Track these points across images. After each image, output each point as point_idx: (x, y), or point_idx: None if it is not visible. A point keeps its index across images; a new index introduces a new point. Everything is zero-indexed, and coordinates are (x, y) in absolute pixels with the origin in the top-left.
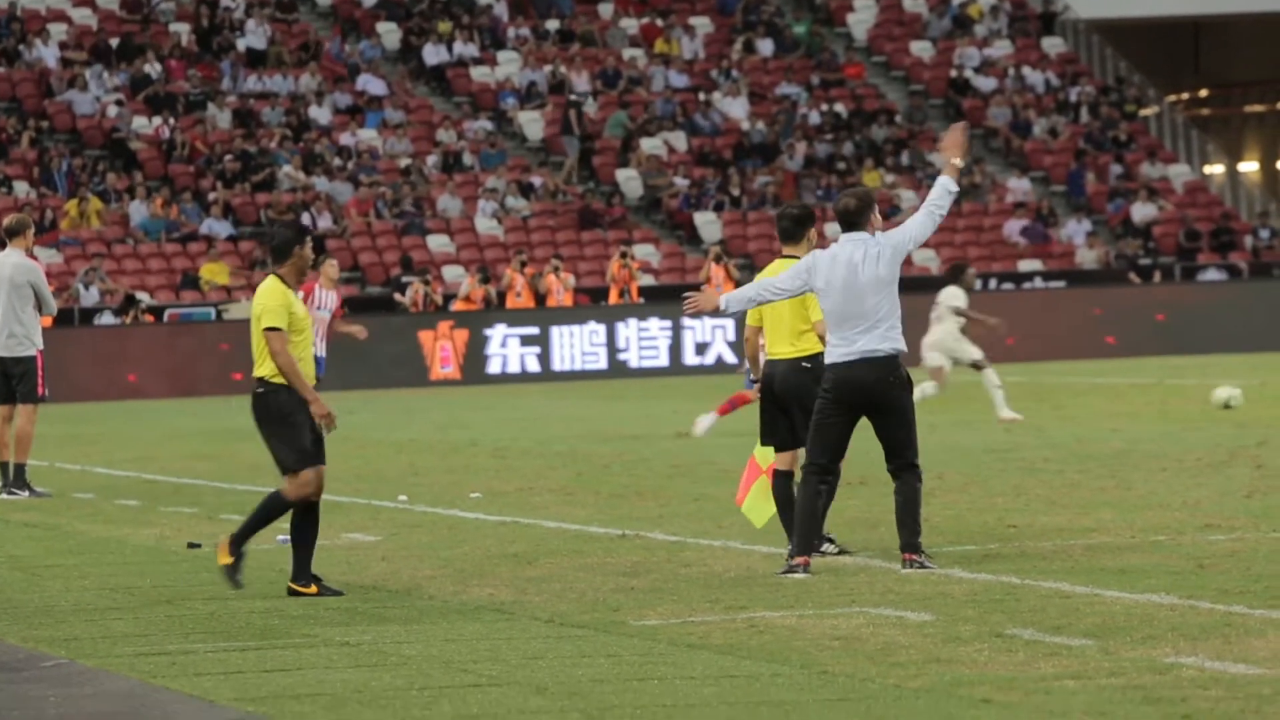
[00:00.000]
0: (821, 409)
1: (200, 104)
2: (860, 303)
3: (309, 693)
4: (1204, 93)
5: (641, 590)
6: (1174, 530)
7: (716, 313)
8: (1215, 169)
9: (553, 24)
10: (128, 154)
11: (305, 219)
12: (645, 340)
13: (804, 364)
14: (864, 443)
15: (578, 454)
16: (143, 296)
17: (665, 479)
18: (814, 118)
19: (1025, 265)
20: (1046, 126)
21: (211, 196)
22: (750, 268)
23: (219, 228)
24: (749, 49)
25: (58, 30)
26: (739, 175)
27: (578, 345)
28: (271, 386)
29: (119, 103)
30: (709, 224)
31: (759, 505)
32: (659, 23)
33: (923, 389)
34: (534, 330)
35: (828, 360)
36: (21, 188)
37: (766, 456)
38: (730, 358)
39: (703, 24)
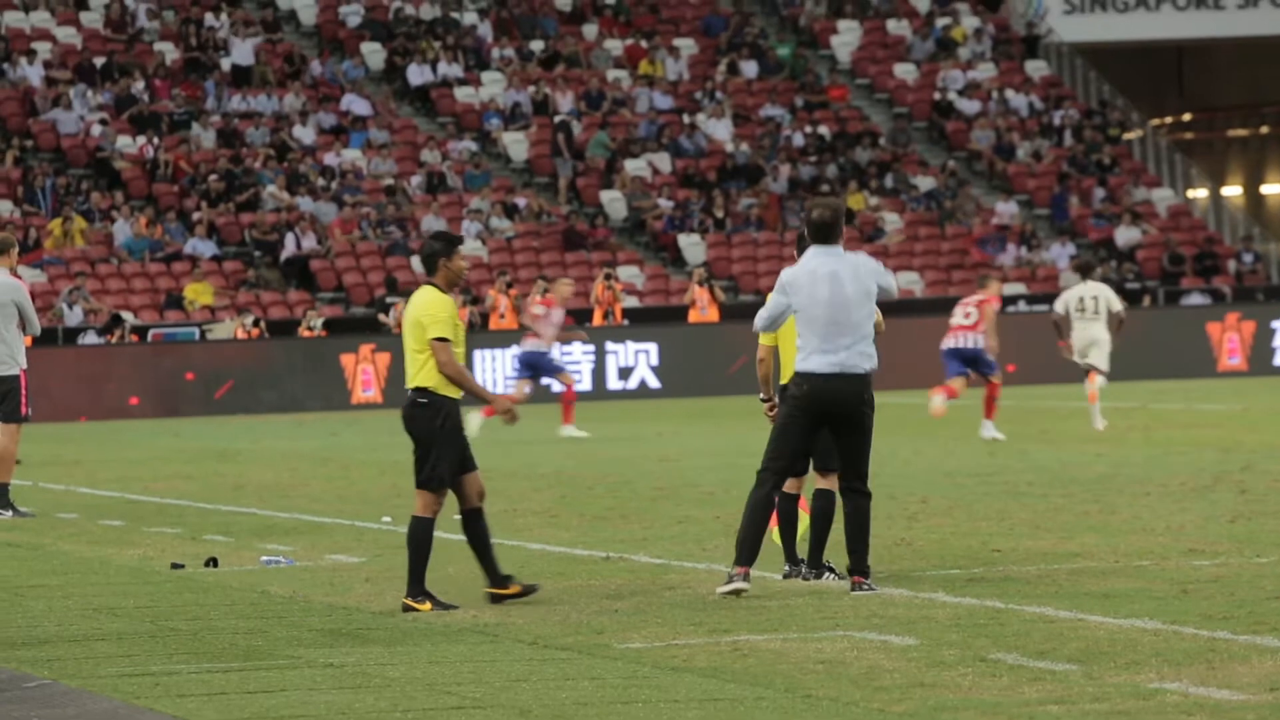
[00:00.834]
0: (788, 414)
1: (185, 123)
2: (847, 316)
3: (292, 714)
4: (1187, 117)
5: (625, 613)
6: (1158, 555)
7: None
8: (1199, 193)
9: (537, 45)
10: (112, 173)
11: (289, 239)
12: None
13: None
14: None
15: (562, 476)
16: (127, 316)
17: (649, 502)
18: (798, 140)
19: (1009, 289)
20: (1030, 150)
21: (196, 216)
22: (735, 289)
23: (203, 247)
24: (733, 71)
25: (43, 49)
26: (723, 197)
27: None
28: (438, 398)
29: (103, 122)
30: (693, 246)
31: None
32: (643, 44)
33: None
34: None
35: (803, 368)
36: (5, 206)
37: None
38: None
39: (687, 46)
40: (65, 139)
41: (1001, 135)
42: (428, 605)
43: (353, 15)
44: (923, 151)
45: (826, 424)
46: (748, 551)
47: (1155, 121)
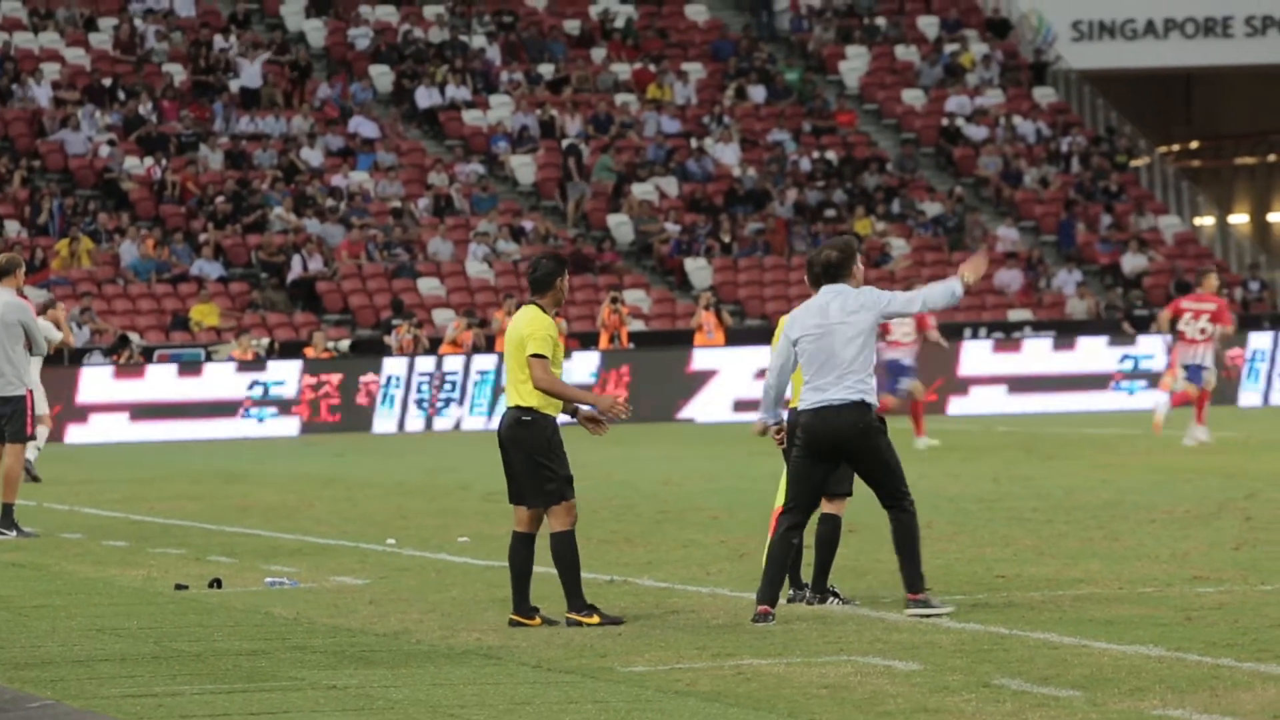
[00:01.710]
0: (796, 457)
1: (192, 145)
2: (833, 352)
3: None
4: (1195, 144)
5: (629, 636)
6: (1162, 582)
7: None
8: (1205, 220)
9: (545, 69)
10: (119, 194)
11: (296, 261)
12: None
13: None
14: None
15: None
16: (133, 337)
17: (654, 525)
18: (805, 165)
19: (1015, 315)
20: (1037, 176)
21: (202, 237)
22: (741, 314)
23: (210, 269)
24: (741, 95)
25: (51, 70)
26: (730, 221)
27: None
28: (541, 415)
29: (111, 143)
30: (699, 270)
31: None
32: (651, 68)
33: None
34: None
35: (800, 407)
36: (13, 227)
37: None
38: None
39: (695, 70)
40: (73, 159)
41: (1009, 161)
42: (596, 618)
43: (361, 38)
44: (930, 177)
45: (835, 458)
46: (766, 590)
47: (1162, 149)
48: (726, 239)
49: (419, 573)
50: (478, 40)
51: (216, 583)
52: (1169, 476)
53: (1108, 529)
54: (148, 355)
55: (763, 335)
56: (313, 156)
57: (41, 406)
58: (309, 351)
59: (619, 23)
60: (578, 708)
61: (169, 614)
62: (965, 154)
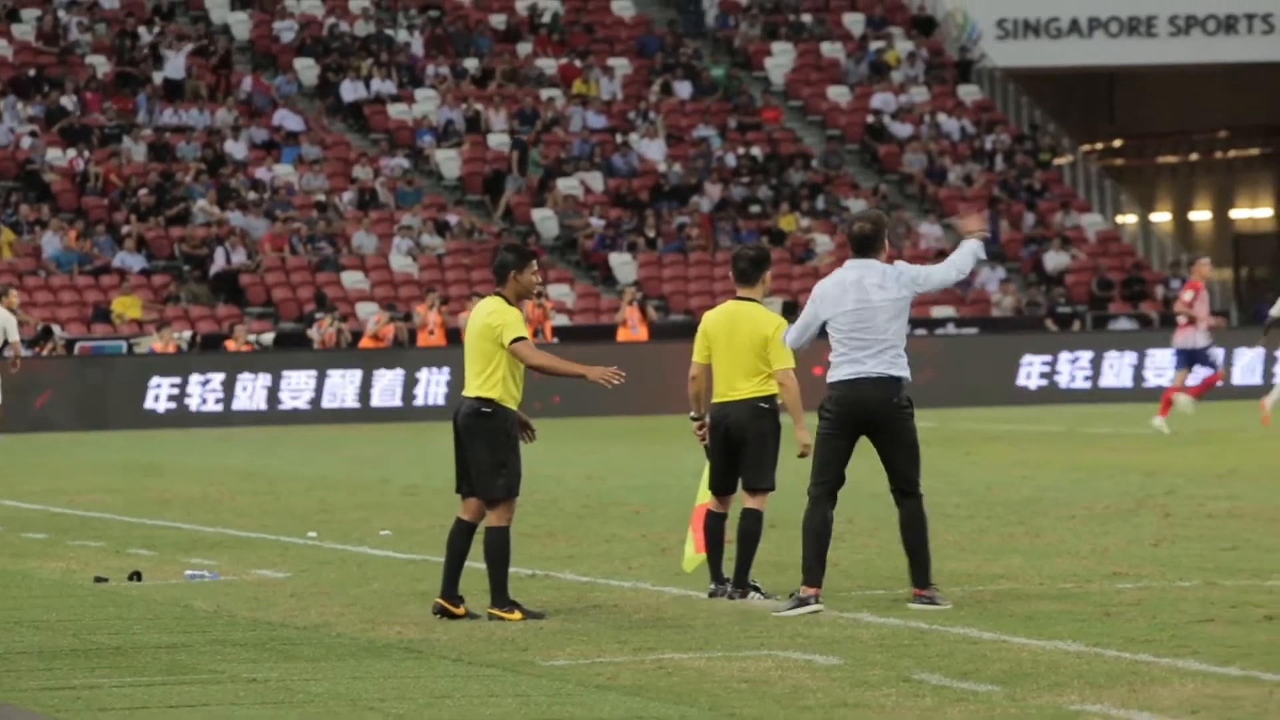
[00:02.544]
0: (824, 429)
1: (115, 137)
2: (872, 325)
3: None
4: (1118, 143)
5: (550, 631)
6: (1082, 578)
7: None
8: (1128, 219)
9: (471, 63)
10: (41, 186)
11: (219, 254)
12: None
13: (761, 404)
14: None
15: None
16: (55, 329)
17: (576, 519)
18: (730, 160)
19: (939, 312)
20: (961, 174)
21: (125, 230)
22: (665, 309)
23: (132, 261)
24: (667, 91)
25: None
26: (655, 217)
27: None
28: (500, 408)
29: (33, 134)
30: (624, 265)
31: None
32: (577, 64)
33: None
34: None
35: (832, 379)
36: None
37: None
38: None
39: (621, 65)
40: None
41: (933, 159)
42: (518, 614)
43: (286, 30)
44: (855, 174)
45: (861, 432)
46: (813, 574)
47: (1086, 147)
48: (651, 234)
49: (340, 566)
50: (403, 34)
51: (136, 575)
52: (1089, 473)
53: (1028, 525)
54: (69, 348)
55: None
56: (237, 149)
57: None
58: (230, 344)
59: (545, 17)
60: (498, 701)
61: (88, 607)
62: (890, 151)
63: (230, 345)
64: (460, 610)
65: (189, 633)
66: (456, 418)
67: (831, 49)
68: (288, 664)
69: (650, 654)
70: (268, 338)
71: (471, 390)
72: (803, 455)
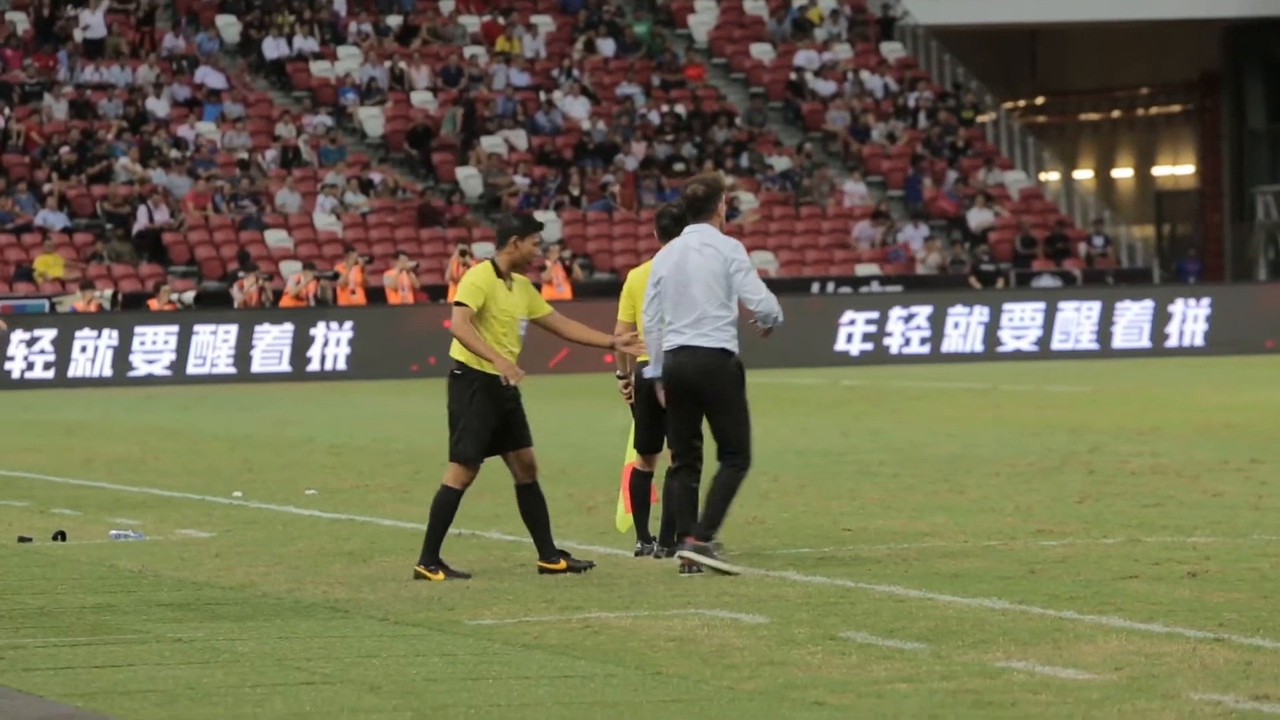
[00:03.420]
0: (666, 396)
1: (36, 94)
2: (688, 292)
3: (140, 689)
4: (1040, 100)
5: (477, 590)
6: (1006, 535)
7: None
8: (1051, 176)
9: (394, 20)
10: None
11: (141, 212)
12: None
13: None
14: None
15: (415, 452)
16: None
17: (504, 478)
18: (654, 118)
19: (863, 269)
20: (885, 131)
21: (47, 188)
22: (589, 267)
23: (54, 219)
24: (590, 49)
25: None
26: (579, 175)
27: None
28: (471, 371)
29: None
30: (549, 223)
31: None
32: (500, 21)
33: None
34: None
35: (664, 349)
36: None
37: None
38: None
39: (544, 23)
40: None
41: (857, 116)
42: (440, 575)
43: None
44: (778, 132)
45: (692, 400)
46: (692, 521)
47: (1008, 105)
48: (575, 192)
49: (265, 526)
50: None
51: (60, 535)
52: (1014, 430)
53: (953, 482)
54: None
55: (611, 289)
56: (159, 107)
57: None
58: (153, 304)
59: None
60: (424, 660)
61: (12, 567)
62: (813, 109)
63: (153, 305)
64: (561, 564)
65: (114, 593)
66: None
67: (754, 6)
68: (213, 624)
69: (577, 613)
70: (189, 296)
71: (452, 351)
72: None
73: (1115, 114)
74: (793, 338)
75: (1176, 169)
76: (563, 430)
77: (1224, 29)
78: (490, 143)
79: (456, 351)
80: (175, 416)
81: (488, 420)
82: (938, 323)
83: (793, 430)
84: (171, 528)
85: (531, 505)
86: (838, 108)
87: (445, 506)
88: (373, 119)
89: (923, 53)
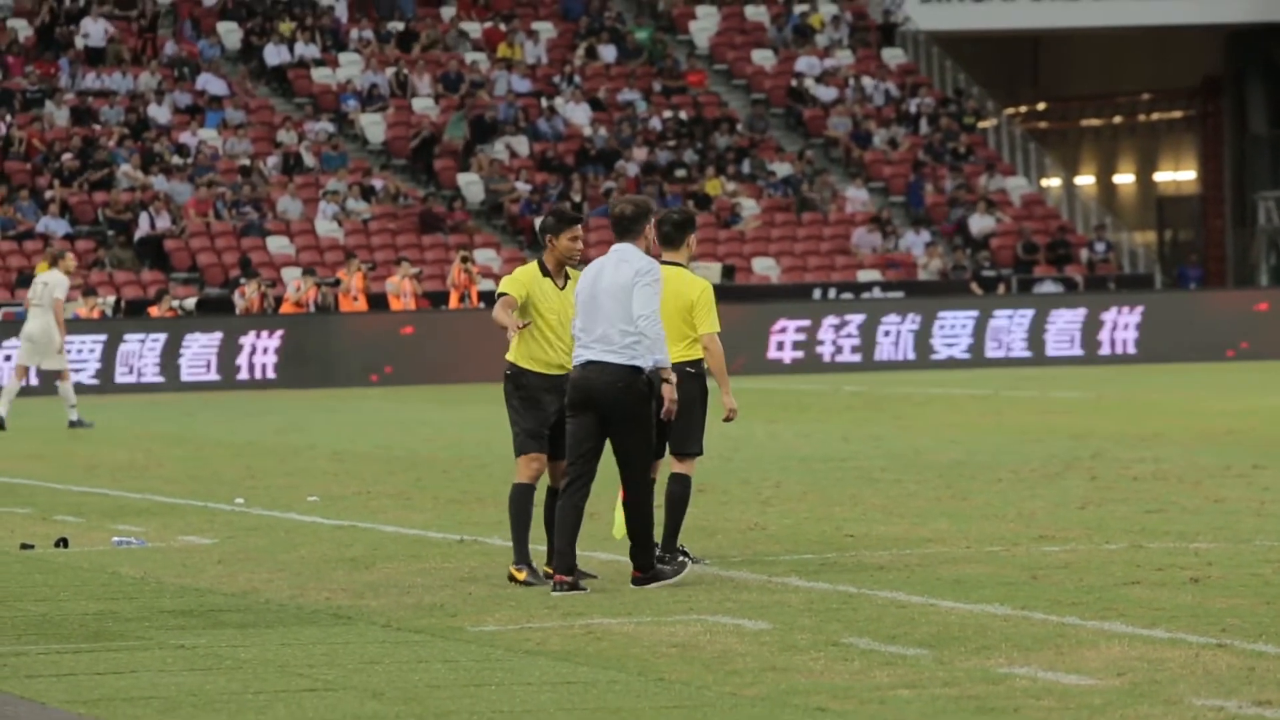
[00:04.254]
0: (568, 415)
1: (38, 101)
2: (597, 309)
3: (143, 696)
4: (1042, 106)
5: (479, 596)
6: (1009, 541)
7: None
8: (1052, 182)
9: (395, 26)
10: None
11: (143, 219)
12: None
13: (688, 369)
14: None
15: (417, 459)
16: None
17: (504, 485)
18: (655, 124)
19: (864, 275)
20: (886, 137)
21: (49, 195)
22: None
23: (56, 226)
24: (591, 55)
25: None
26: (580, 181)
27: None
28: (515, 369)
29: None
30: None
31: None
32: (502, 27)
33: None
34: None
35: (574, 363)
36: None
37: None
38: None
39: (545, 29)
40: None
41: (858, 123)
42: (524, 574)
43: None
44: (780, 138)
45: (594, 414)
46: (567, 558)
47: (1010, 110)
48: (577, 198)
49: (267, 532)
50: None
51: (63, 542)
52: (1016, 436)
53: (956, 488)
54: None
55: None
56: (160, 113)
57: None
58: (154, 310)
59: None
60: (427, 667)
61: (14, 574)
62: (815, 115)
63: (154, 312)
64: (561, 576)
65: (116, 600)
66: None
67: (756, 12)
68: (215, 631)
69: (579, 619)
70: (190, 303)
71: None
72: (728, 419)
73: (1117, 120)
74: (789, 347)
75: (1178, 174)
76: None
77: (1226, 35)
78: (492, 149)
79: (509, 352)
80: (179, 423)
81: (533, 417)
82: (924, 329)
83: (795, 436)
84: (174, 534)
85: (553, 510)
86: (839, 114)
87: (513, 502)
88: (374, 125)
89: (924, 59)
